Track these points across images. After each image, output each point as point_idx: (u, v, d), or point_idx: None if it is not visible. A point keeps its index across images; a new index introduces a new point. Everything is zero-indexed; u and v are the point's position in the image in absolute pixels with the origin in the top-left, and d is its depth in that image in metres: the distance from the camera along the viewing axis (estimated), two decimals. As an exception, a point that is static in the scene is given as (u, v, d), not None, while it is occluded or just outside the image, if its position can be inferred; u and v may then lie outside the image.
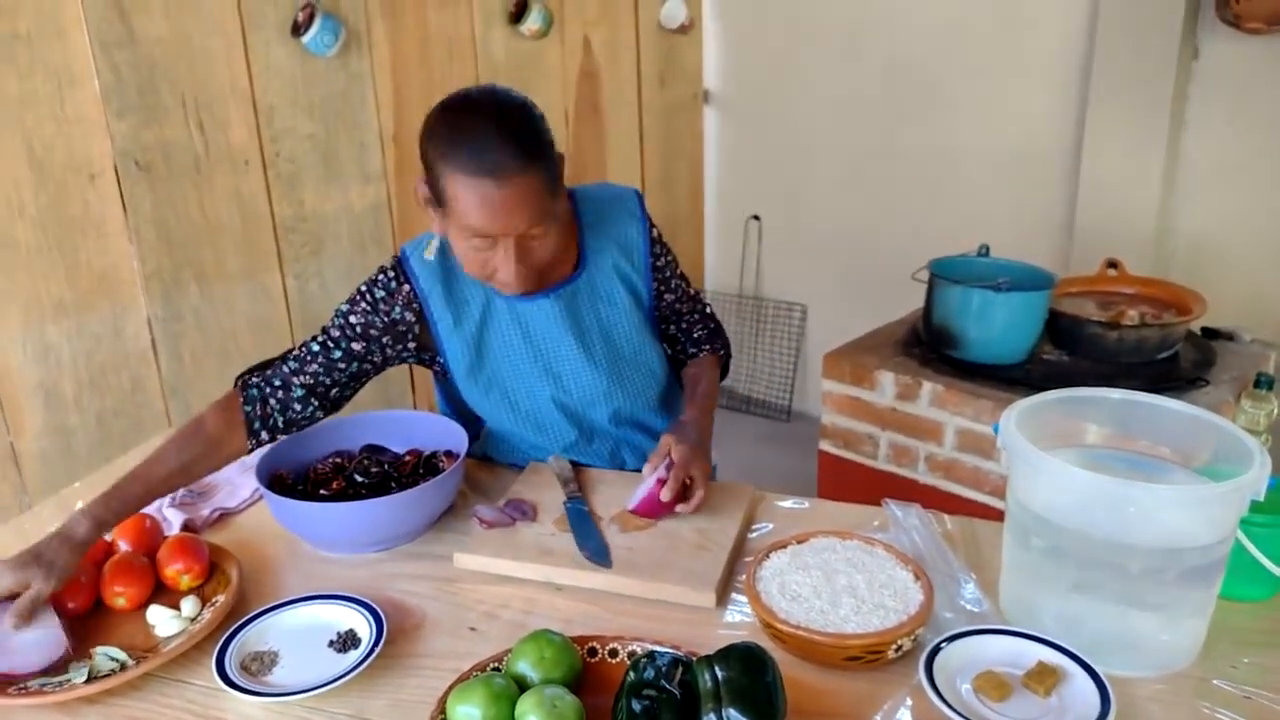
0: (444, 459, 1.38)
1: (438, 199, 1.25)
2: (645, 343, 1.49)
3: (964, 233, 2.71)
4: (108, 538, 1.24)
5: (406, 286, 1.37)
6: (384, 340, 1.38)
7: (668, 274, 1.51)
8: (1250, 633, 1.10)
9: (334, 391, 1.38)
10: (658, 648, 1.01)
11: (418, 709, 1.00)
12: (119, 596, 1.14)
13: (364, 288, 1.38)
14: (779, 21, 3.38)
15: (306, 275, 2.58)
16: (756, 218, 3.73)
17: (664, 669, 0.95)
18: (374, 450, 1.43)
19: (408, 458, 1.38)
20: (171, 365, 2.34)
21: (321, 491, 1.31)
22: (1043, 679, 0.99)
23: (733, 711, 0.88)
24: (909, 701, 0.99)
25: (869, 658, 1.03)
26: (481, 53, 2.85)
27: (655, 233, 1.49)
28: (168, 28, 2.18)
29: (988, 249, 2.38)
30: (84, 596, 1.13)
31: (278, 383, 1.35)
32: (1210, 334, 2.36)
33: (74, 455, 2.21)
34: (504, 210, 1.19)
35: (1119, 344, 2.17)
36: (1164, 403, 1.14)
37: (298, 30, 2.38)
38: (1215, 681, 1.03)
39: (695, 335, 1.60)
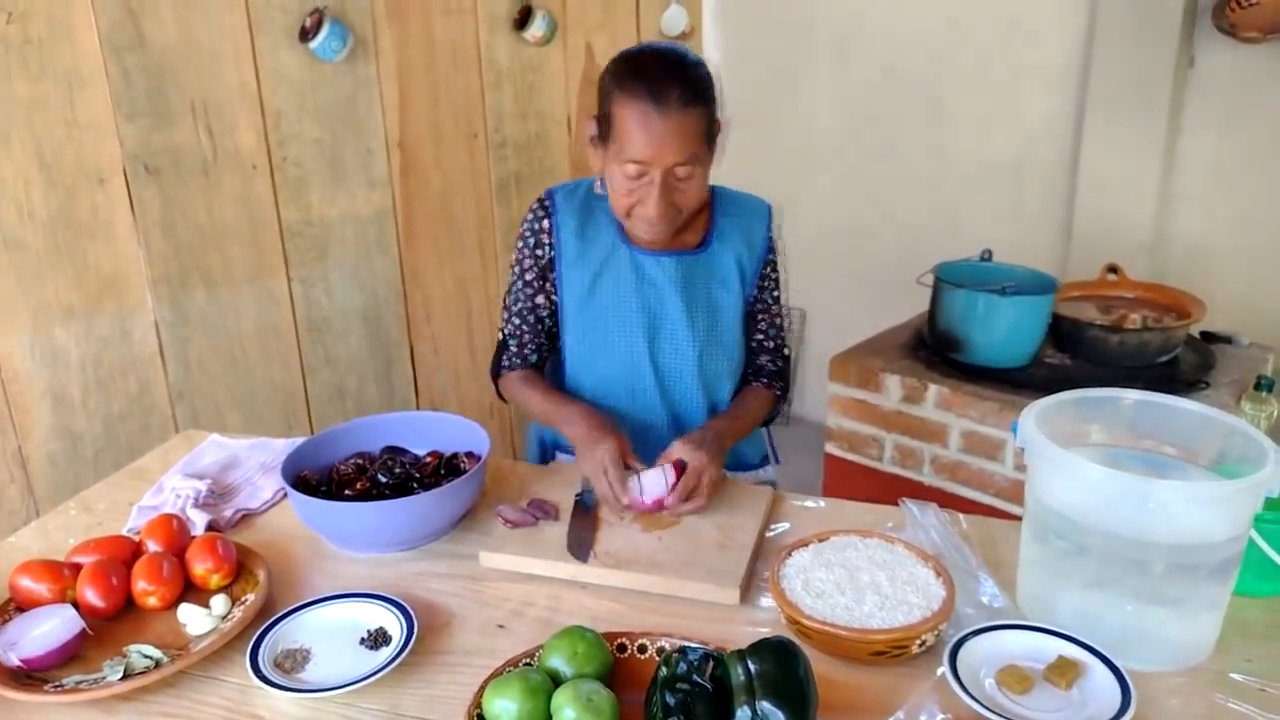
0: (465, 460, 1.39)
1: (604, 133, 1.38)
2: (738, 334, 1.56)
3: (963, 237, 2.74)
4: (135, 538, 1.25)
5: (547, 221, 1.51)
6: (546, 284, 1.53)
7: (768, 284, 1.58)
8: (1263, 627, 1.13)
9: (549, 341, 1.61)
10: (687, 643, 1.03)
11: (450, 704, 1.02)
12: (150, 596, 1.14)
13: (520, 244, 1.53)
14: (779, 29, 3.41)
15: (312, 280, 2.58)
16: (755, 223, 3.75)
17: (696, 663, 0.96)
18: (394, 451, 1.44)
19: (429, 459, 1.40)
20: (178, 369, 2.34)
21: (346, 492, 1.32)
22: (1064, 672, 1.01)
23: (766, 704, 0.90)
24: (934, 695, 1.01)
25: (894, 652, 1.05)
26: (486, 59, 2.87)
27: (775, 245, 1.58)
28: (177, 32, 2.19)
29: (990, 254, 2.41)
30: (114, 597, 1.14)
31: (519, 360, 1.58)
32: (1209, 338, 2.40)
33: (81, 458, 2.21)
34: (662, 138, 1.31)
35: (1120, 347, 2.20)
36: (1179, 403, 1.17)
37: (305, 36, 2.39)
38: (1231, 675, 1.05)
39: (760, 362, 1.63)
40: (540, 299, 1.54)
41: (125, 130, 2.14)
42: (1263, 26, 2.41)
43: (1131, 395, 1.19)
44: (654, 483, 1.32)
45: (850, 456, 2.46)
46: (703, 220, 1.53)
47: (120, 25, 2.10)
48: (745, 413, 1.57)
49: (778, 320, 1.63)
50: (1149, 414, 1.19)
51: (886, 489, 2.35)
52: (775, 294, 1.60)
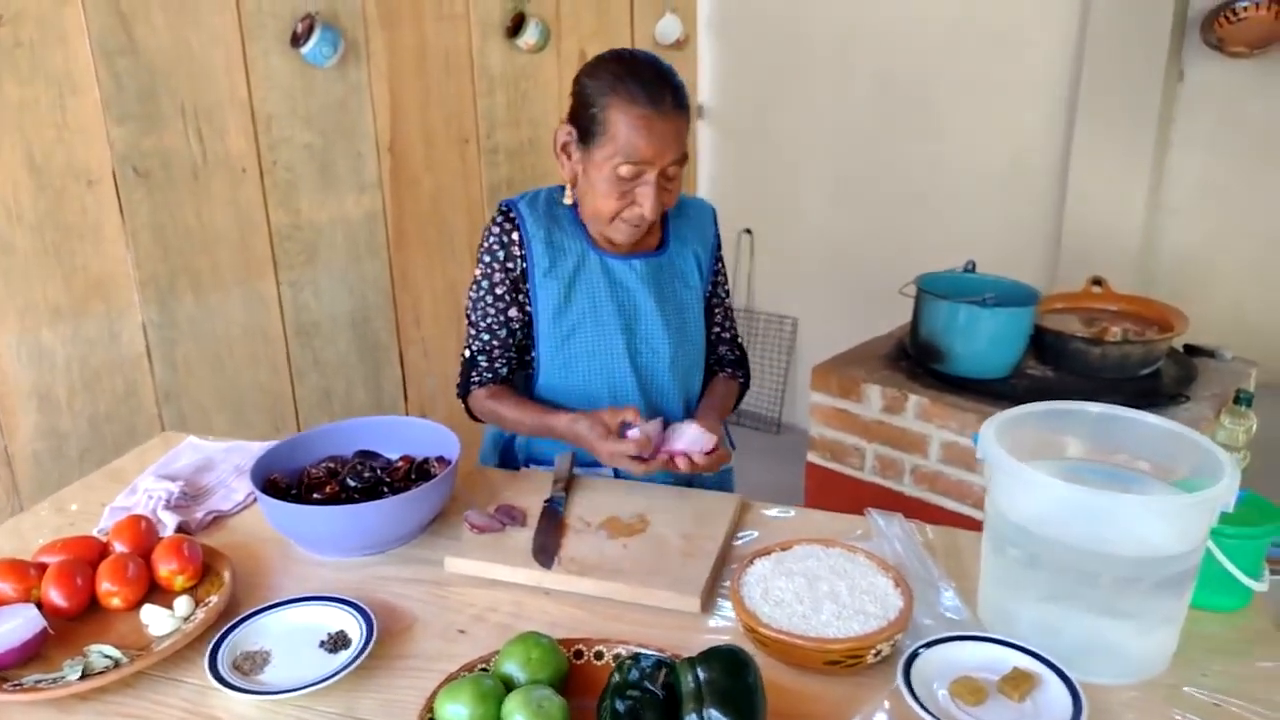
0: (436, 465, 1.40)
1: (587, 136, 1.39)
2: (702, 329, 1.63)
3: (952, 248, 2.75)
4: (103, 539, 1.26)
5: (516, 234, 1.49)
6: (519, 296, 1.52)
7: (721, 279, 1.68)
8: (1221, 641, 1.13)
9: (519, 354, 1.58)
10: (642, 650, 1.03)
11: (406, 709, 1.02)
12: (113, 596, 1.15)
13: (487, 258, 1.51)
14: (772, 38, 3.43)
15: (301, 283, 2.60)
16: (748, 231, 3.76)
17: (648, 670, 0.97)
18: (367, 456, 1.44)
19: (400, 463, 1.40)
20: (165, 371, 2.36)
21: (315, 495, 1.33)
22: (1017, 684, 1.02)
23: (714, 712, 0.90)
24: (886, 705, 1.01)
25: (849, 662, 1.06)
26: (479, 65, 2.89)
27: (720, 243, 1.67)
28: (169, 37, 2.21)
29: (974, 265, 2.42)
30: (78, 597, 1.14)
31: (490, 375, 1.55)
32: (1192, 351, 2.40)
33: (66, 459, 2.22)
34: (662, 138, 1.35)
35: (1102, 360, 2.20)
36: (1140, 417, 1.17)
37: (297, 41, 2.41)
38: (1186, 689, 1.05)
39: (721, 352, 1.71)
40: (513, 312, 1.52)
41: (115, 133, 2.16)
42: (1250, 41, 2.43)
43: (1094, 409, 1.19)
44: (693, 438, 1.37)
45: (832, 466, 2.47)
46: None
47: (111, 30, 2.12)
48: (725, 407, 1.65)
49: (730, 312, 1.72)
50: (1116, 428, 1.19)
51: (867, 499, 2.35)
52: (727, 287, 1.70)
